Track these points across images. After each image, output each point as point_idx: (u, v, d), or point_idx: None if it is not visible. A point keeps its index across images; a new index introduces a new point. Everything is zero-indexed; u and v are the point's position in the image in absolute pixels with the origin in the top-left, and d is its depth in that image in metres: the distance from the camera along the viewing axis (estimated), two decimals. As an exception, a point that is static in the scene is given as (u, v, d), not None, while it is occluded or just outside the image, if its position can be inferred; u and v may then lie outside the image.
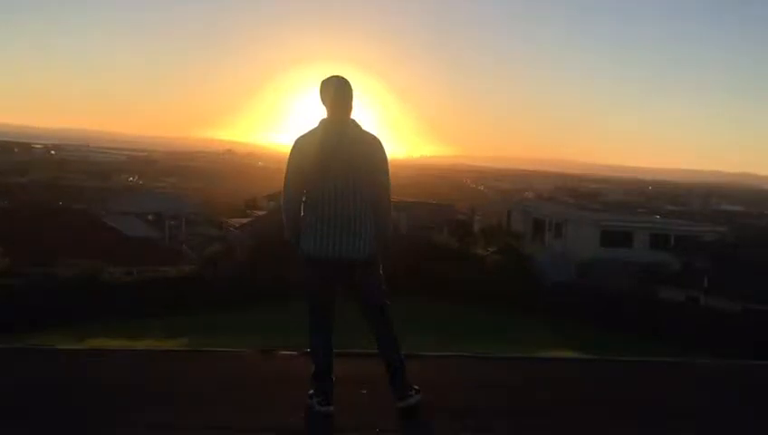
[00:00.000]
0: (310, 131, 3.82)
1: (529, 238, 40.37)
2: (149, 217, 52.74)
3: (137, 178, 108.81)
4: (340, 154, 3.71)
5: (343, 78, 3.84)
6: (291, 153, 3.81)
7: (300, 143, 3.80)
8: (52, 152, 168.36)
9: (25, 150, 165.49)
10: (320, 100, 3.81)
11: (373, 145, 3.81)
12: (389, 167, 3.86)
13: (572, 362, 6.35)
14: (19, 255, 27.28)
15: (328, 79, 3.81)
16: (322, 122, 3.80)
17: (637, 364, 6.11)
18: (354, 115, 3.84)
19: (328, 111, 3.80)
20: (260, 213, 50.16)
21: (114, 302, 25.29)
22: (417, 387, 3.86)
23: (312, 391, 3.86)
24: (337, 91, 3.78)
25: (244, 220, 48.52)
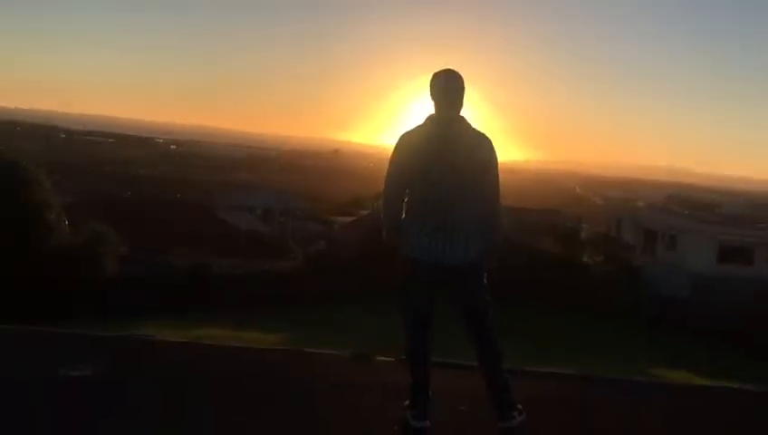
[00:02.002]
0: (415, 127, 3.61)
1: (639, 249, 38.68)
2: (260, 212, 54.39)
3: (251, 173, 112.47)
4: (445, 153, 3.48)
5: (454, 71, 3.61)
6: (394, 150, 3.61)
7: (404, 140, 3.59)
8: (173, 147, 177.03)
9: (150, 145, 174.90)
10: (429, 95, 3.60)
11: (482, 144, 3.55)
12: (499, 169, 3.58)
13: (693, 390, 5.81)
14: (137, 243, 28.63)
15: (437, 72, 3.60)
16: (429, 118, 3.59)
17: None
18: (464, 112, 3.61)
19: (435, 107, 3.58)
20: (365, 212, 50.69)
21: (222, 293, 26.15)
22: (520, 407, 3.60)
23: (407, 403, 3.66)
24: (446, 86, 3.56)
25: (349, 219, 49.19)
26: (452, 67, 3.62)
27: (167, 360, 4.81)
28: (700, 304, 28.95)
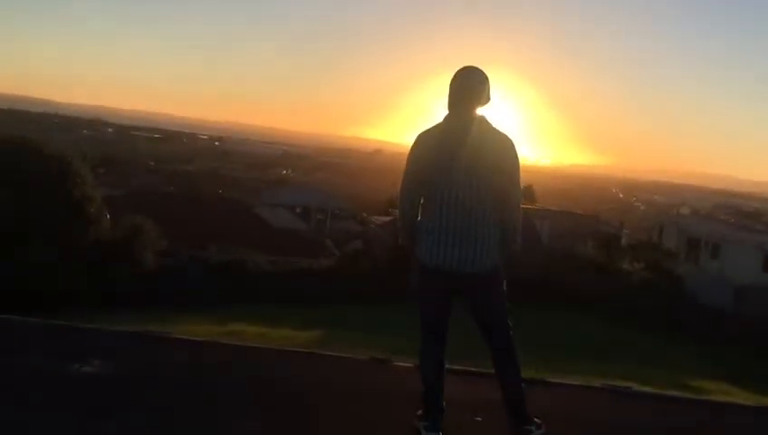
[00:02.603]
0: (432, 127, 3.45)
1: (682, 257, 37.82)
2: (298, 210, 54.72)
3: (290, 171, 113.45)
4: (463, 153, 3.30)
5: (473, 68, 3.44)
6: (410, 150, 3.46)
7: (421, 140, 3.44)
8: (217, 143, 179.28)
9: (193, 141, 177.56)
10: (448, 93, 3.44)
11: (503, 145, 3.37)
12: (520, 171, 3.40)
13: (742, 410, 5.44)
14: (177, 237, 28.99)
15: (457, 70, 3.45)
16: (447, 117, 3.43)
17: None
18: (491, 112, 3.44)
19: (453, 106, 3.41)
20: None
21: (257, 289, 26.29)
22: (538, 420, 3.45)
23: (420, 413, 3.53)
24: (462, 83, 3.39)
25: (386, 218, 49.10)
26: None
27: (182, 359, 4.76)
28: (743, 315, 28.18)
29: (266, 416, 3.77)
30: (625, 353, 19.54)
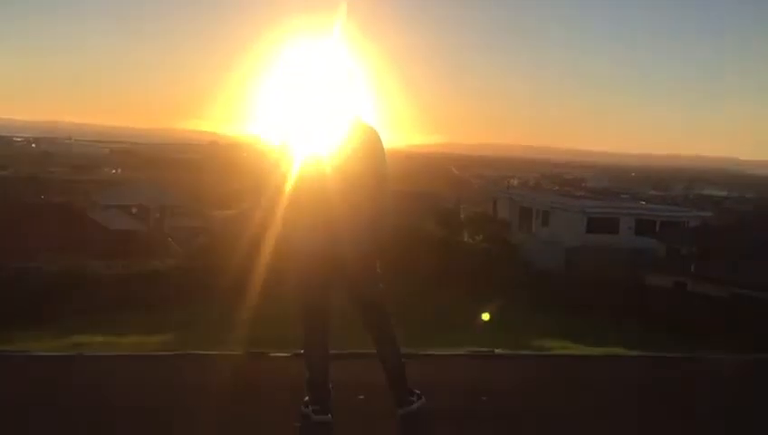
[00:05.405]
0: (301, 120, 3.60)
1: (516, 226, 40.30)
2: (133, 210, 52.16)
3: (120, 170, 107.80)
4: (330, 144, 3.49)
5: (338, 65, 3.61)
6: (283, 146, 3.59)
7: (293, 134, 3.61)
8: (33, 145, 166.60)
9: (6, 143, 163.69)
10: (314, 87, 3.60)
11: (370, 136, 3.57)
12: (386, 159, 3.59)
13: (577, 359, 6.10)
14: (-1, 249, 26.77)
15: (320, 67, 3.61)
16: (317, 111, 3.57)
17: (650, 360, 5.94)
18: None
19: (320, 100, 3.58)
20: (244, 205, 49.69)
21: (98, 296, 24.83)
22: (418, 392, 3.62)
23: (306, 399, 3.60)
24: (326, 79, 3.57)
25: (229, 212, 48.07)
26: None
27: (35, 377, 4.44)
28: (572, 276, 30.53)
29: (144, 422, 3.63)
30: (470, 322, 20.56)
